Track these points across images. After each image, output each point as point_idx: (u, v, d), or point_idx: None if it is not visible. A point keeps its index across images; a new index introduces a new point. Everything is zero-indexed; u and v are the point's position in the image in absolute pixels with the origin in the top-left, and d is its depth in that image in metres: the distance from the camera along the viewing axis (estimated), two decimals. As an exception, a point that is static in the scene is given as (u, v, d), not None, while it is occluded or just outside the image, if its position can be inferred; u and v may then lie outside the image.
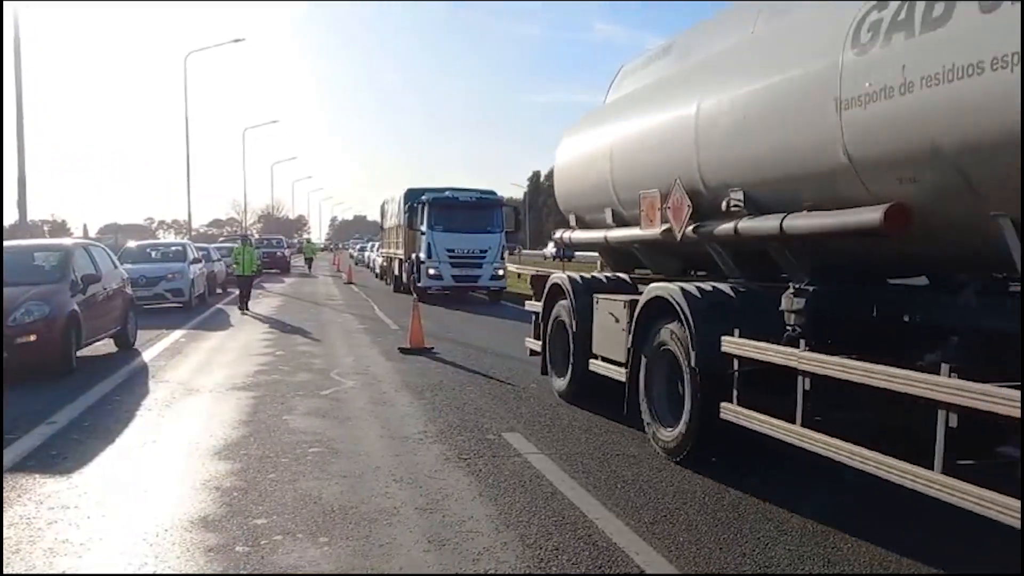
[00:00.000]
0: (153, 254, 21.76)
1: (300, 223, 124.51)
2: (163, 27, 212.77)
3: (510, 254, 34.27)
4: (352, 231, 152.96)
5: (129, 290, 13.69)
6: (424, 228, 23.21)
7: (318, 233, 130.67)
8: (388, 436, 7.27)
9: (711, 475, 6.07)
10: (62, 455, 6.49)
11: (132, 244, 24.93)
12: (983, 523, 4.87)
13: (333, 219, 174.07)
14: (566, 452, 6.72)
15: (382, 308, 21.18)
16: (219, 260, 27.64)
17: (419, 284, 23.08)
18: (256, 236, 54.09)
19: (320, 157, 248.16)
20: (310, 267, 49.36)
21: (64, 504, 5.30)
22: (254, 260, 21.71)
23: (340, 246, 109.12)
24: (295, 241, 74.69)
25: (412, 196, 24.74)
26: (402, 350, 12.65)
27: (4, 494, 5.43)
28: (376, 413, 8.26)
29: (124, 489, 5.71)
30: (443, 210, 23.39)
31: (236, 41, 45.50)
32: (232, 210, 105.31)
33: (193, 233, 51.42)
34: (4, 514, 5.07)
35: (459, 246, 23.03)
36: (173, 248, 22.86)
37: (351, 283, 32.69)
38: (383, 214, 33.20)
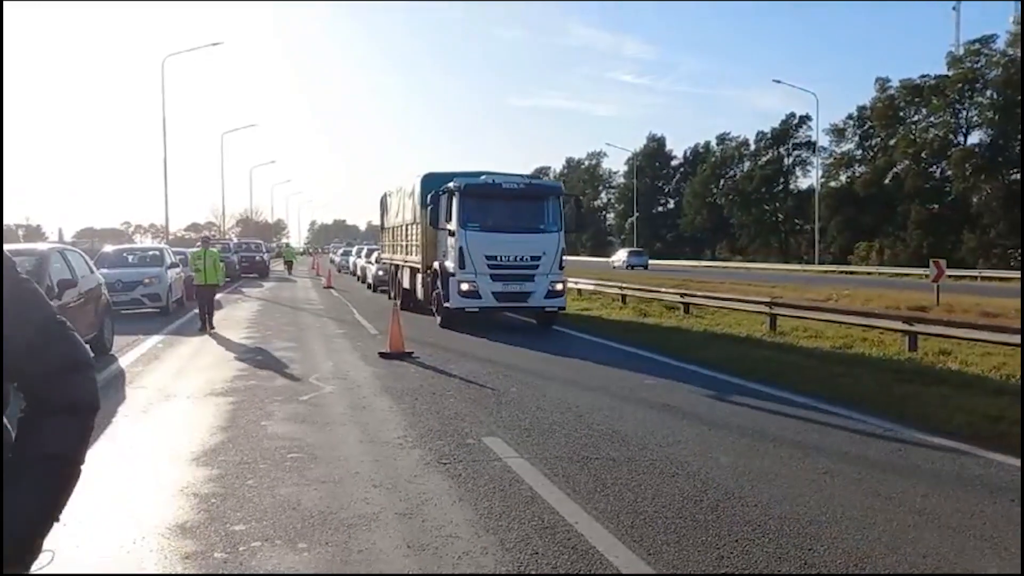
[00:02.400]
0: (130, 258, 21.56)
1: (279, 227, 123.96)
2: (142, 30, 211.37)
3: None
4: (331, 235, 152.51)
5: (106, 295, 13.58)
6: (454, 227, 16.61)
7: (297, 237, 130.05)
8: (367, 441, 7.26)
9: (690, 478, 6.11)
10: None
11: (109, 248, 24.67)
12: (980, 523, 4.94)
13: (312, 223, 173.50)
14: (546, 456, 6.73)
15: (362, 312, 21.11)
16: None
17: (447, 304, 16.72)
18: (235, 240, 53.78)
19: (301, 162, 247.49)
20: (290, 270, 50.91)
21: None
22: (218, 267, 17.53)
23: (320, 250, 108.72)
24: (274, 245, 74.35)
25: (433, 183, 17.98)
26: (382, 355, 12.62)
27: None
28: (355, 418, 8.24)
29: (100, 496, 5.65)
30: (481, 201, 16.82)
31: (214, 45, 45.49)
32: (210, 214, 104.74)
33: (171, 237, 51.07)
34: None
35: (503, 252, 16.53)
36: (150, 252, 22.67)
37: (330, 287, 32.53)
38: (384, 210, 25.72)
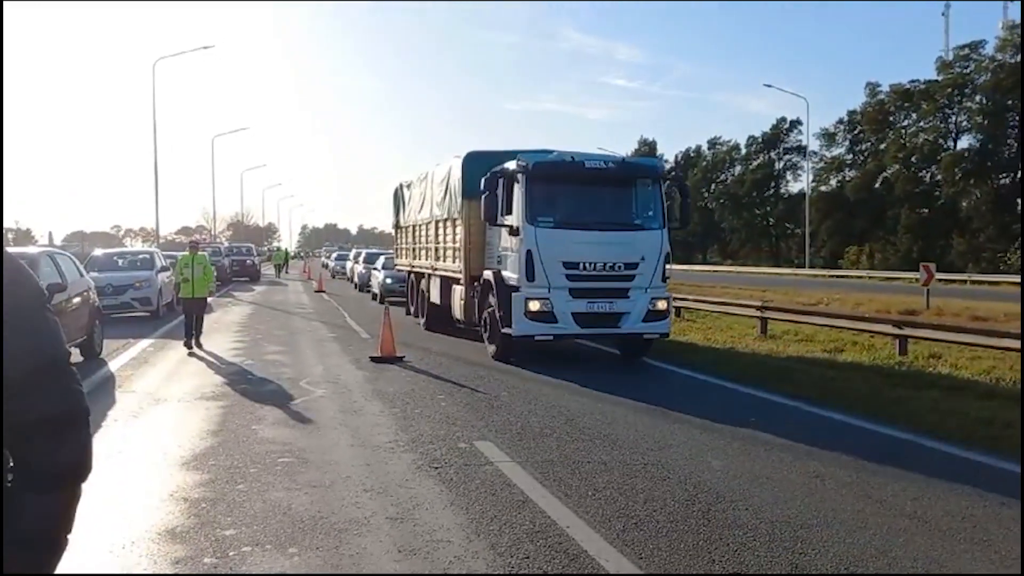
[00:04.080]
0: (120, 262, 21.47)
1: (270, 231, 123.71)
2: (132, 33, 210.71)
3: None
4: (323, 239, 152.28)
5: (95, 299, 13.52)
6: (517, 222, 12.16)
7: (288, 241, 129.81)
8: (359, 445, 7.24)
9: (681, 482, 6.11)
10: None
11: (98, 252, 24.55)
12: (971, 526, 4.95)
13: (304, 227, 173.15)
14: (537, 460, 6.73)
15: (353, 317, 21.06)
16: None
17: (508, 330, 12.18)
18: (226, 244, 53.69)
19: (293, 165, 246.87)
20: (279, 273, 52.34)
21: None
22: (209, 275, 14.86)
23: (312, 254, 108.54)
24: (265, 249, 74.25)
25: (481, 164, 13.48)
26: (373, 359, 12.59)
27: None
28: (346, 422, 8.21)
29: (89, 501, 5.59)
30: (556, 187, 12.48)
31: (204, 48, 45.36)
32: (201, 218, 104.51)
33: (161, 241, 50.89)
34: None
35: (588, 256, 12.07)
36: (140, 256, 22.60)
37: (322, 291, 32.45)
38: (399, 205, 20.89)
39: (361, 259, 35.81)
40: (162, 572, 4.41)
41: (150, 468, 6.48)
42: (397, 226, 21.39)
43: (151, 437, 7.61)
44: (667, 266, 12.50)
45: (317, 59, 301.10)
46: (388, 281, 24.67)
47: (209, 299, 16.21)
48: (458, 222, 14.54)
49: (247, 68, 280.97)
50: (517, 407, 8.98)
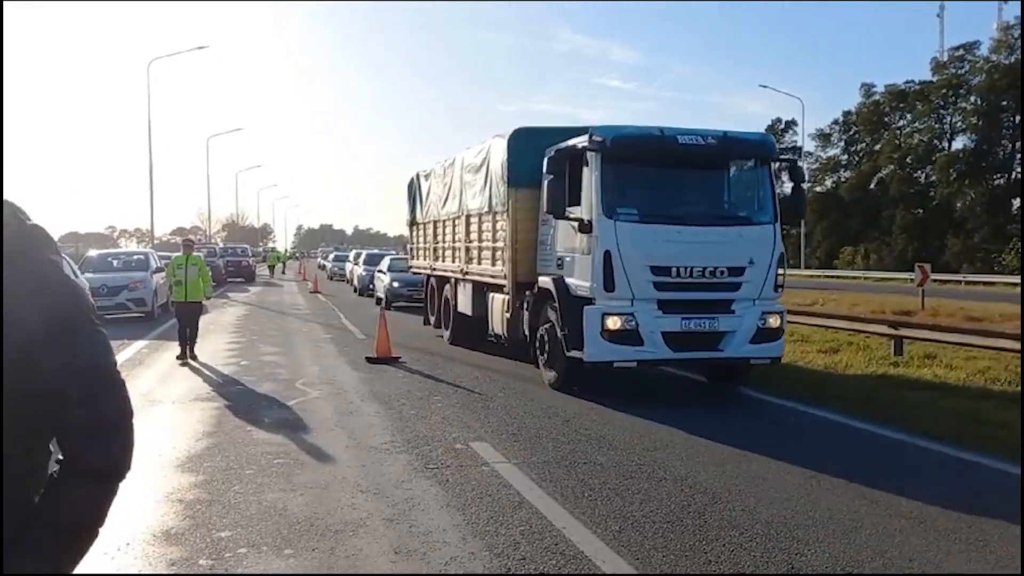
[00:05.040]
0: (115, 263, 21.39)
1: (265, 231, 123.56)
2: (127, 33, 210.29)
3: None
4: (318, 239, 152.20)
5: (90, 300, 13.46)
6: (591, 214, 9.54)
7: (284, 241, 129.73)
8: (355, 446, 7.23)
9: (677, 483, 6.12)
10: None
11: (93, 253, 24.51)
12: (967, 526, 4.96)
13: (299, 228, 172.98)
14: (533, 461, 6.72)
15: (348, 317, 21.04)
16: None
17: (578, 353, 9.59)
18: (221, 244, 53.61)
19: (288, 166, 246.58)
20: (272, 272, 52.99)
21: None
22: (205, 278, 13.27)
23: (307, 254, 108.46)
24: (260, 250, 74.18)
25: (536, 142, 11.15)
26: (369, 360, 12.58)
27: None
28: (342, 423, 8.20)
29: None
30: (641, 169, 10.01)
31: (199, 48, 45.32)
32: (196, 218, 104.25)
33: (156, 242, 50.80)
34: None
35: (683, 259, 9.50)
36: (135, 257, 22.52)
37: (317, 292, 32.41)
38: (415, 198, 18.15)
39: (362, 260, 32.89)
40: (158, 573, 4.40)
41: (145, 470, 6.45)
42: (413, 223, 18.56)
43: (146, 439, 7.57)
44: (780, 271, 9.93)
45: (313, 59, 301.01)
46: (395, 285, 23.08)
47: (206, 303, 14.66)
48: (500, 216, 11.85)
49: (242, 68, 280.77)
50: (513, 408, 8.98)
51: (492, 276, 12.41)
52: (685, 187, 10.36)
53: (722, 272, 9.53)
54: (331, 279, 44.61)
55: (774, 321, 9.81)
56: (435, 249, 16.20)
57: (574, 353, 9.55)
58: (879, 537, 4.99)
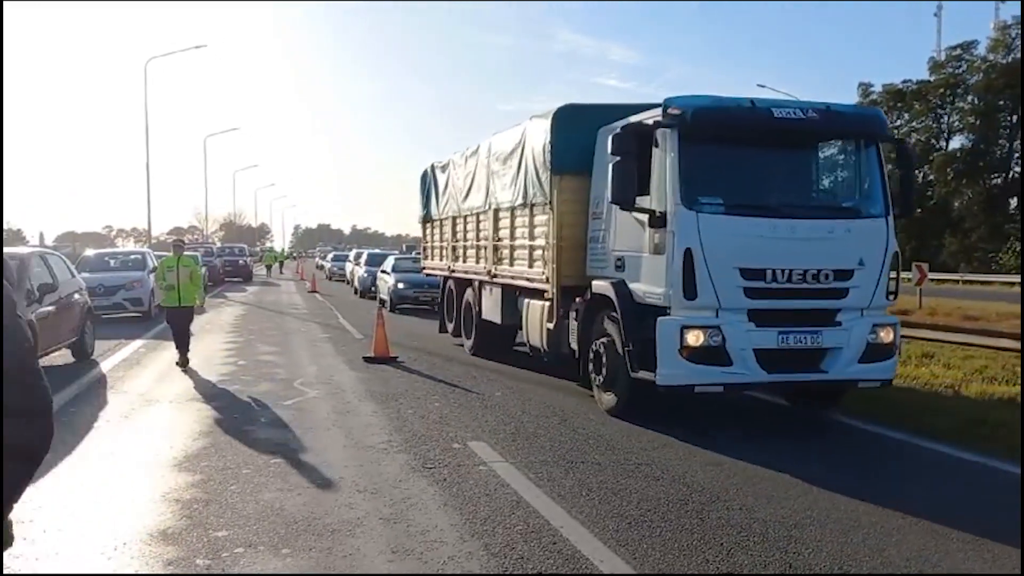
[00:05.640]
0: (112, 263, 21.39)
1: (263, 231, 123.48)
2: (124, 31, 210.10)
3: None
4: (316, 239, 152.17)
5: (87, 299, 13.46)
6: (665, 205, 7.89)
7: (281, 241, 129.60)
8: (352, 446, 7.22)
9: (675, 482, 6.12)
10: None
11: (90, 252, 24.49)
12: (964, 525, 4.96)
13: (296, 227, 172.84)
14: (531, 460, 6.72)
15: (346, 317, 21.02)
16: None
17: (647, 374, 7.90)
18: (218, 244, 53.58)
19: (285, 165, 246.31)
20: (269, 271, 53.39)
21: (19, 519, 5.14)
22: (197, 281, 12.34)
23: (304, 254, 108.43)
24: (258, 249, 74.16)
25: (587, 122, 9.63)
26: (367, 359, 12.56)
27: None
28: (340, 423, 8.19)
29: (81, 502, 5.60)
30: (729, 150, 8.42)
31: (197, 47, 45.26)
32: (193, 218, 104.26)
33: (153, 241, 50.74)
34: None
35: (780, 259, 7.81)
36: (132, 257, 22.49)
37: (315, 292, 32.38)
38: (430, 192, 16.33)
39: (363, 260, 31.10)
40: (154, 573, 4.39)
41: (142, 469, 6.44)
42: (427, 220, 16.75)
43: (143, 438, 7.57)
44: (894, 273, 8.21)
45: (310, 59, 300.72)
46: (400, 286, 22.17)
47: (198, 306, 13.16)
48: (540, 209, 10.24)
49: (240, 68, 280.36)
50: (511, 407, 8.97)
51: (528, 279, 10.74)
52: (780, 171, 8.76)
53: (827, 276, 7.85)
54: (330, 279, 44.19)
55: (886, 335, 8.12)
56: (454, 248, 14.54)
57: (642, 374, 7.88)
58: (877, 536, 4.99)
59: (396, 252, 33.60)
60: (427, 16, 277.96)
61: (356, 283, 30.79)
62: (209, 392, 9.93)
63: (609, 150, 8.10)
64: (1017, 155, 56.22)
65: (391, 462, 6.65)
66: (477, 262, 13.05)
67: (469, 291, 13.69)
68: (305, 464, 6.57)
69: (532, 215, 10.56)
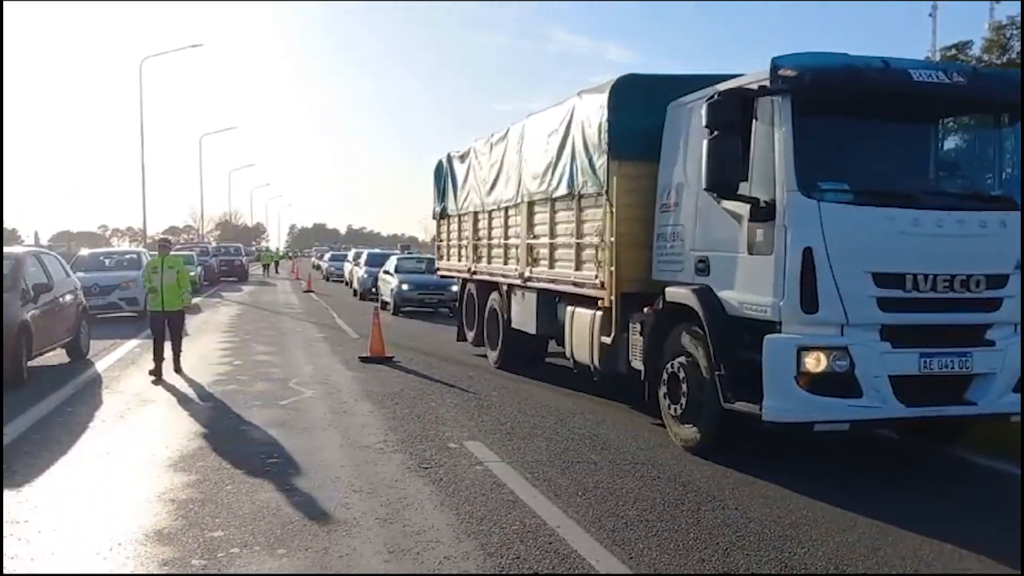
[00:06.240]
0: (107, 262, 21.32)
1: (259, 231, 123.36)
2: (120, 30, 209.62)
3: None
4: (311, 238, 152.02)
5: (82, 299, 13.43)
6: (773, 193, 6.26)
7: (277, 241, 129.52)
8: (348, 446, 7.22)
9: (671, 481, 6.12)
10: (12, 469, 6.32)
11: (85, 252, 24.43)
12: (959, 525, 4.97)
13: (292, 227, 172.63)
14: (527, 460, 6.72)
15: (342, 317, 21.01)
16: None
17: (748, 405, 6.29)
18: (214, 244, 53.52)
19: (281, 165, 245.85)
20: (266, 271, 53.59)
21: (14, 519, 5.17)
22: (184, 283, 11.52)
23: (300, 253, 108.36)
24: (254, 249, 74.17)
25: (653, 97, 8.11)
26: (363, 359, 12.56)
27: (-50, 509, 5.27)
28: (336, 423, 8.18)
29: (76, 502, 5.59)
30: (853, 122, 6.68)
31: (193, 47, 45.21)
32: (189, 218, 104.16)
33: (148, 241, 50.65)
34: (-50, 530, 4.93)
35: (921, 260, 6.20)
36: (127, 256, 22.45)
37: (310, 291, 32.35)
38: (446, 185, 14.84)
39: (363, 261, 29.89)
40: (150, 573, 4.38)
41: (137, 469, 6.43)
42: (442, 216, 15.34)
43: (138, 438, 7.56)
44: None
45: (307, 59, 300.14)
46: (404, 288, 21.50)
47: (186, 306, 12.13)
48: (589, 201, 8.83)
49: (236, 67, 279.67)
50: (507, 407, 8.97)
51: (574, 284, 9.18)
52: (918, 149, 7.09)
53: (977, 282, 6.27)
54: (327, 280, 43.73)
55: None
56: (476, 247, 13.05)
57: (740, 406, 6.35)
58: (873, 535, 5.00)
59: (397, 252, 33.40)
60: (423, 15, 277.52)
61: (355, 284, 29.96)
62: (205, 392, 9.92)
63: (704, 122, 6.53)
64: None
65: (387, 462, 6.65)
66: (505, 263, 11.61)
67: (495, 296, 12.28)
68: (301, 464, 6.57)
69: (580, 208, 9.05)
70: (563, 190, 9.38)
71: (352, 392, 9.94)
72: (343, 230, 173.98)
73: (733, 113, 6.44)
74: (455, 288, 20.58)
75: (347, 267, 36.16)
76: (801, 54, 6.35)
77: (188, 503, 5.54)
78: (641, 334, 7.92)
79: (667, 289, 7.49)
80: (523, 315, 11.10)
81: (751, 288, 6.51)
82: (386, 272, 23.81)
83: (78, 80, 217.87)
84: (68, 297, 12.54)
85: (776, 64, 6.25)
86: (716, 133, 6.42)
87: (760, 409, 6.14)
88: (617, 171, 8.17)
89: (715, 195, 6.70)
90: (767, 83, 6.31)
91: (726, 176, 6.42)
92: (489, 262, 12.45)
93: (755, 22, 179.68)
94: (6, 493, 5.69)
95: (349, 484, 5.99)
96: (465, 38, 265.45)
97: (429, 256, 27.04)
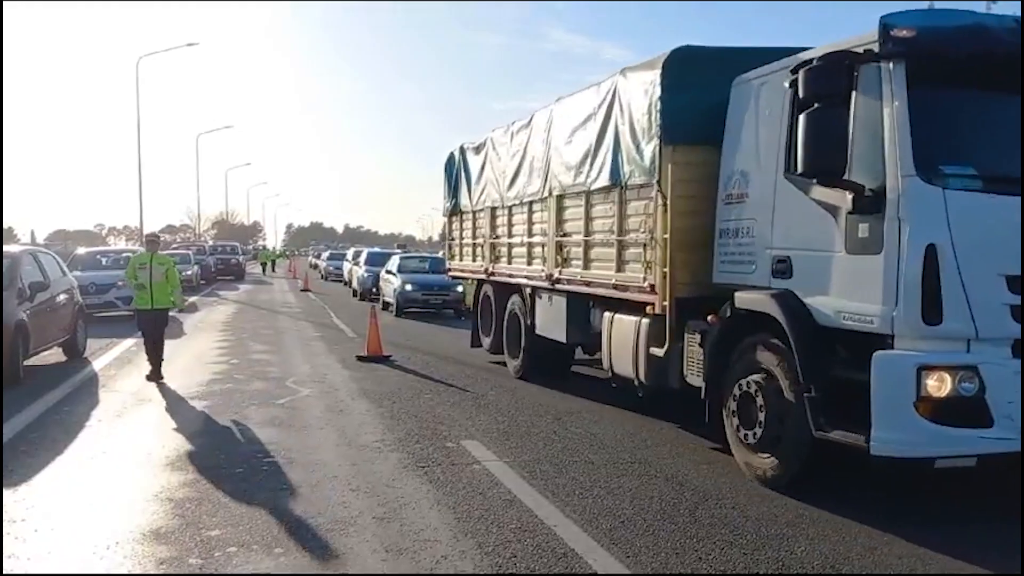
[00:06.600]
0: (103, 261, 21.29)
1: (255, 229, 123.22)
2: (117, 28, 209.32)
3: None
4: (308, 237, 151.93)
5: (78, 298, 13.41)
6: (892, 178, 5.19)
7: (274, 240, 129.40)
8: (345, 445, 7.21)
9: (668, 480, 6.13)
10: (8, 468, 6.31)
11: (82, 251, 24.42)
12: (956, 525, 4.97)
13: (289, 226, 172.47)
14: (524, 459, 6.72)
15: (339, 316, 20.99)
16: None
17: (853, 434, 5.23)
18: (210, 243, 53.40)
19: (278, 164, 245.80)
20: (264, 271, 53.50)
21: (11, 518, 5.16)
22: (173, 282, 10.95)
23: (296, 252, 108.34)
24: (250, 248, 74.17)
25: (713, 69, 7.10)
26: (360, 358, 12.56)
27: (-53, 508, 5.27)
28: (333, 422, 8.18)
29: (73, 502, 5.58)
30: (983, 89, 5.44)
31: (189, 45, 45.08)
32: (185, 216, 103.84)
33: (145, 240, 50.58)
34: (-53, 529, 4.92)
35: None
36: (124, 255, 22.35)
37: (308, 291, 32.34)
38: (459, 178, 13.79)
39: (362, 260, 29.16)
40: (147, 573, 4.38)
41: (134, 468, 6.43)
42: (454, 212, 14.24)
43: (135, 437, 7.55)
44: None
45: (303, 58, 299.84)
46: (408, 288, 21.05)
47: (173, 312, 12.01)
48: (634, 193, 7.90)
49: (232, 66, 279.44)
50: (504, 406, 8.98)
51: (616, 286, 8.20)
52: None
53: None
54: (325, 279, 43.45)
55: None
56: (494, 246, 12.09)
57: (838, 435, 5.36)
58: (869, 534, 5.00)
59: (399, 250, 33.32)
60: (421, 15, 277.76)
61: (355, 284, 29.20)
62: (202, 391, 9.90)
63: (801, 94, 5.54)
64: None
65: (384, 461, 6.65)
66: (529, 263, 10.64)
67: (515, 299, 11.31)
68: (298, 463, 6.56)
69: (623, 201, 8.11)
70: (604, 181, 8.36)
71: (349, 391, 9.93)
72: (340, 229, 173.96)
73: (839, 81, 5.42)
74: (460, 289, 20.42)
75: (346, 266, 35.49)
76: (915, 11, 5.48)
77: (185, 502, 5.53)
78: (701, 345, 6.90)
79: (737, 294, 6.44)
80: (550, 321, 10.12)
81: (851, 294, 5.46)
82: (388, 272, 23.28)
83: (75, 78, 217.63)
84: (64, 296, 12.52)
85: (887, 24, 5.27)
86: (817, 106, 5.40)
87: (867, 440, 5.08)
88: (671, 158, 7.15)
89: (812, 182, 5.65)
90: (874, 47, 5.34)
91: (831, 157, 5.37)
92: (509, 262, 11.51)
93: (749, 22, 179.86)
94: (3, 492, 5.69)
95: (346, 483, 5.99)
96: (463, 38, 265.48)
97: (433, 255, 26.98)
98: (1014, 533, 4.94)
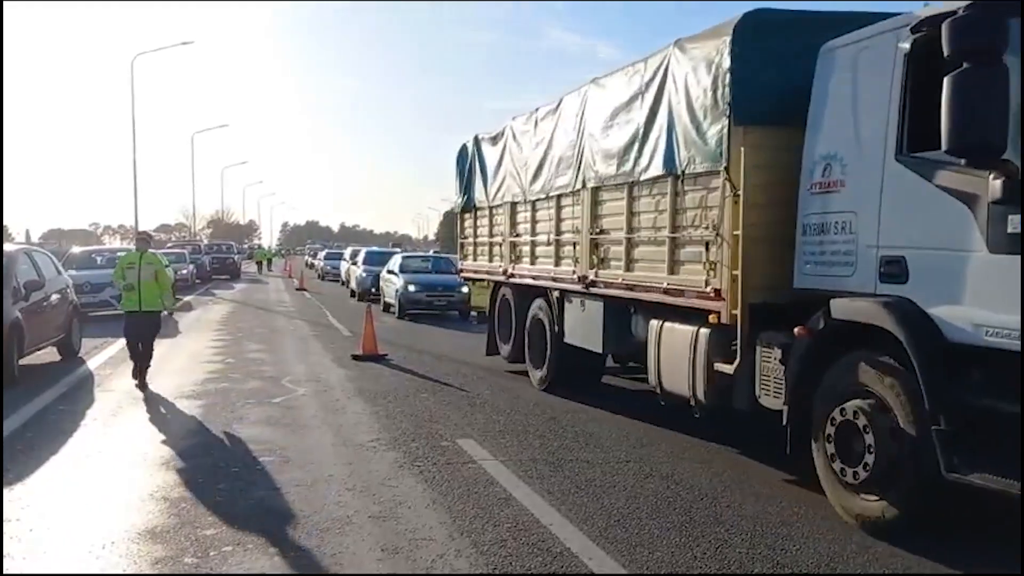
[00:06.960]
0: (99, 260, 21.25)
1: (251, 228, 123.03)
2: (112, 27, 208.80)
3: None
4: (304, 236, 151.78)
5: (74, 297, 13.39)
6: None
7: (269, 239, 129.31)
8: (341, 444, 7.21)
9: (664, 479, 6.13)
10: (4, 467, 6.30)
11: (77, 249, 24.36)
12: (953, 524, 4.99)
13: (284, 224, 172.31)
14: (520, 458, 6.73)
15: (335, 314, 20.98)
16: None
17: (996, 477, 4.24)
18: (206, 242, 53.36)
19: (273, 163, 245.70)
20: (260, 270, 53.24)
21: (6, 517, 5.15)
22: (164, 283, 10.43)
23: (292, 251, 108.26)
24: (246, 247, 74.09)
25: (789, 37, 6.07)
26: (355, 357, 12.55)
27: (-59, 508, 5.25)
28: (328, 421, 8.18)
29: (68, 501, 5.57)
30: None
31: (184, 44, 45.02)
32: (181, 215, 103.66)
33: (140, 238, 50.45)
34: (-59, 529, 4.91)
35: None
36: (119, 254, 22.33)
37: (303, 290, 32.30)
38: (473, 172, 12.85)
39: (361, 259, 28.51)
40: (142, 572, 4.37)
41: (130, 467, 6.42)
42: (467, 208, 13.23)
43: (130, 437, 7.54)
44: None
45: (300, 57, 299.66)
46: (411, 289, 20.44)
47: (164, 314, 11.42)
48: (691, 182, 6.88)
49: (227, 64, 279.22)
50: (500, 405, 8.98)
51: (667, 290, 7.19)
52: None
53: None
54: (322, 279, 43.14)
55: None
56: (514, 245, 11.07)
57: (979, 479, 4.37)
58: (864, 533, 5.01)
59: (399, 250, 33.26)
60: (414, 14, 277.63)
61: (353, 284, 28.28)
62: (197, 390, 9.89)
63: (947, 50, 4.40)
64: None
65: (380, 460, 6.65)
66: (557, 264, 9.62)
67: (539, 303, 10.35)
68: (294, 462, 6.56)
69: (678, 192, 7.05)
70: (656, 170, 7.28)
71: (345, 390, 9.93)
72: (336, 228, 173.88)
73: (994, 34, 4.31)
74: (466, 289, 19.97)
75: (344, 266, 34.72)
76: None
77: (180, 501, 5.52)
78: (783, 362, 5.83)
79: (834, 302, 5.37)
80: (582, 328, 9.11)
81: (995, 304, 4.39)
82: (390, 272, 22.58)
83: (70, 77, 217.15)
84: (59, 295, 12.49)
85: None
86: (968, 67, 4.31)
87: (1019, 487, 4.14)
88: (743, 140, 6.09)
89: (943, 164, 4.62)
90: None
91: (989, 129, 4.25)
92: (532, 263, 10.45)
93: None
94: (-3, 491, 5.68)
95: (342, 482, 5.99)
96: (456, 36, 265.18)
97: (436, 254, 26.72)
98: (1014, 533, 4.95)
